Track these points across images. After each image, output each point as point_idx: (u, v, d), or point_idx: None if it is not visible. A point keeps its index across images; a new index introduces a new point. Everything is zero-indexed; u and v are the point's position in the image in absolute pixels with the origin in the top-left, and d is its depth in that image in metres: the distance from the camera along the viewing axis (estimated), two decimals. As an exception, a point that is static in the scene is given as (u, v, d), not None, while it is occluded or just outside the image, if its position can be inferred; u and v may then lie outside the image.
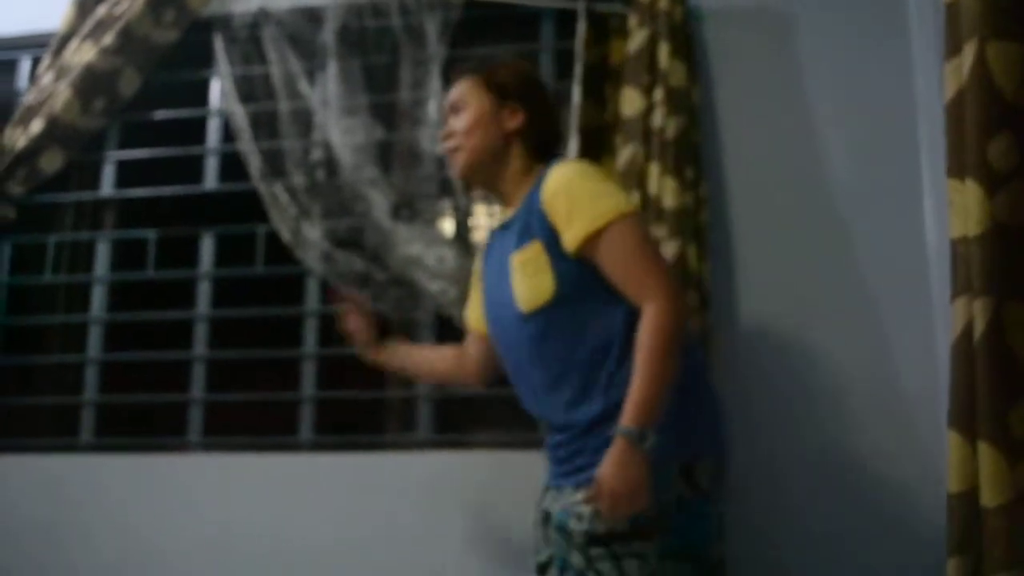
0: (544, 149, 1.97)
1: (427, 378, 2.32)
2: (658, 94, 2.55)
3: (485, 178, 1.99)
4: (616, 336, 1.79)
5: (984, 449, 1.60)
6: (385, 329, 2.32)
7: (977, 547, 1.66)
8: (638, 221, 1.81)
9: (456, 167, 1.98)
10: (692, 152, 2.53)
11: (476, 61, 2.05)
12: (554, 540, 1.85)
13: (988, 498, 1.59)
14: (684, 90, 2.55)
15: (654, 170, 2.49)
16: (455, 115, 1.98)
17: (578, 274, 1.81)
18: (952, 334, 1.75)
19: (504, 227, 1.96)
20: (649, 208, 2.47)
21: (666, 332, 1.71)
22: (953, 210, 1.78)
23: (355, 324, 2.26)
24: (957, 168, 1.78)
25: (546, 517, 1.90)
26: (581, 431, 1.81)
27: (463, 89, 1.98)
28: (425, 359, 2.27)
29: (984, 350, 1.63)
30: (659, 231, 2.43)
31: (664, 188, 2.46)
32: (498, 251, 1.98)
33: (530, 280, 1.83)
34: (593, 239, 1.77)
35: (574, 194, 1.80)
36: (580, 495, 1.75)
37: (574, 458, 1.82)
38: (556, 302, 1.81)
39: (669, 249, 2.41)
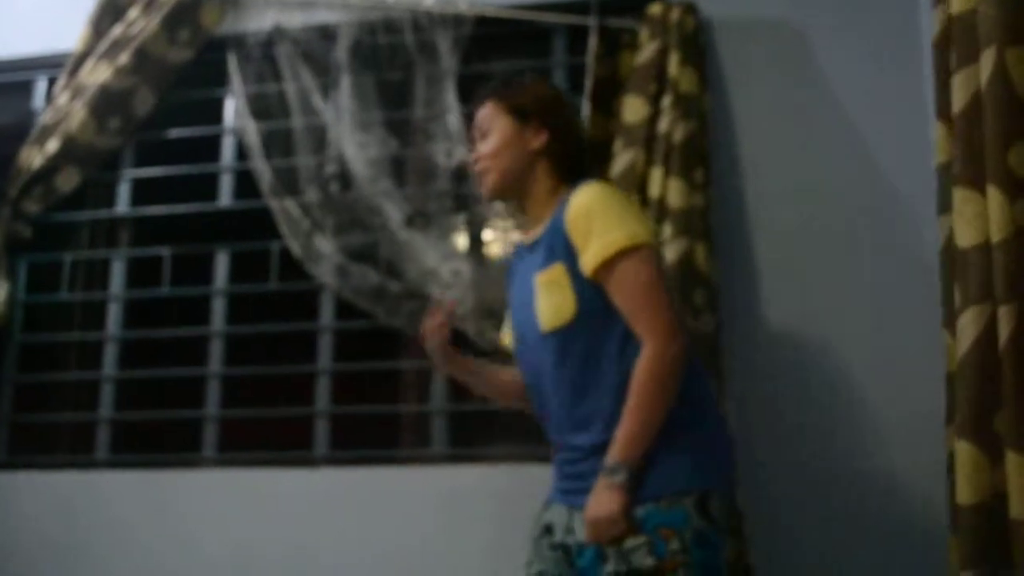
0: (570, 167, 1.98)
1: (498, 397, 2.25)
2: (666, 100, 2.57)
3: (514, 197, 2.02)
4: (630, 368, 1.79)
5: (1013, 459, 1.59)
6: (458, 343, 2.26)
7: (996, 558, 1.64)
8: (651, 254, 1.81)
9: (486, 188, 2.01)
10: (700, 155, 2.54)
11: (497, 82, 2.07)
12: (549, 557, 1.88)
13: (1019, 509, 1.57)
14: (694, 96, 2.58)
15: (657, 173, 2.50)
16: (482, 140, 2.01)
17: (598, 297, 1.82)
18: (961, 344, 1.74)
19: (530, 247, 1.98)
20: (650, 209, 2.49)
21: (659, 372, 1.74)
22: (963, 220, 1.77)
23: (438, 334, 2.15)
24: (969, 178, 1.78)
25: (547, 530, 1.91)
26: (585, 454, 1.83)
27: (486, 114, 2.01)
28: (498, 378, 2.22)
29: (1011, 358, 1.61)
30: (665, 230, 2.45)
31: (670, 189, 2.48)
32: (523, 270, 2.00)
33: (552, 299, 1.85)
34: (607, 266, 1.79)
35: (594, 218, 1.81)
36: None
37: (578, 479, 1.84)
38: (576, 323, 1.83)
39: (675, 248, 2.42)
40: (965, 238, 1.76)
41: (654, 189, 2.51)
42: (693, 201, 2.48)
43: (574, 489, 1.84)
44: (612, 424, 1.77)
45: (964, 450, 1.70)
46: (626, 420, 1.74)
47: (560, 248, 1.86)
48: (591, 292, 1.82)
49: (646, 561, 1.70)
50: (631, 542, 1.71)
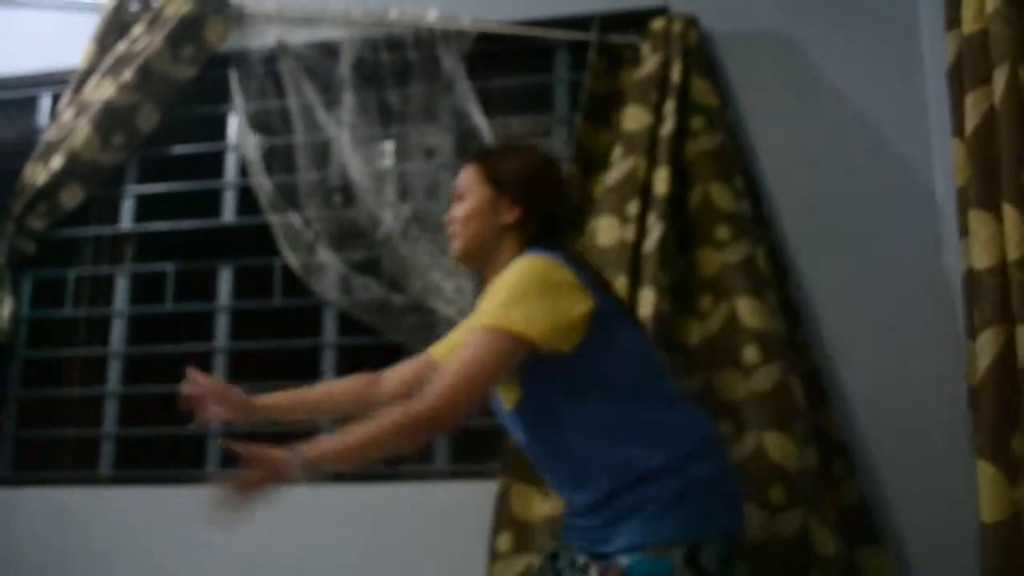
0: (539, 239, 1.92)
1: (329, 415, 2.25)
2: (669, 106, 2.58)
3: (479, 264, 2.00)
4: (591, 431, 1.78)
5: None
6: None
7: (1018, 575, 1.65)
8: (505, 345, 1.73)
9: (453, 251, 2.00)
10: (732, 163, 2.57)
11: (488, 147, 2.08)
12: None
13: None
14: (713, 106, 2.60)
15: (663, 173, 2.51)
16: (459, 202, 1.99)
17: (540, 371, 1.78)
18: (978, 365, 1.73)
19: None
20: (652, 209, 2.50)
21: (411, 423, 1.69)
22: (978, 242, 1.76)
23: (207, 399, 2.16)
24: (983, 199, 1.77)
25: (553, 557, 1.93)
26: (588, 509, 1.82)
27: (467, 176, 1.99)
28: (323, 397, 2.23)
29: None
30: (723, 233, 2.46)
31: (713, 194, 2.50)
32: None
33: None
34: (472, 331, 1.78)
35: (492, 291, 1.81)
36: None
37: (590, 531, 1.82)
38: (527, 401, 1.83)
39: (737, 251, 2.44)
40: (980, 260, 1.76)
41: (660, 187, 2.51)
42: (741, 206, 2.50)
43: (589, 539, 1.82)
44: (602, 483, 1.76)
45: (985, 470, 1.70)
46: (349, 436, 1.70)
47: None
48: (532, 367, 1.78)
49: None
50: None
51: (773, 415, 2.30)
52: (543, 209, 1.95)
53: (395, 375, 2.21)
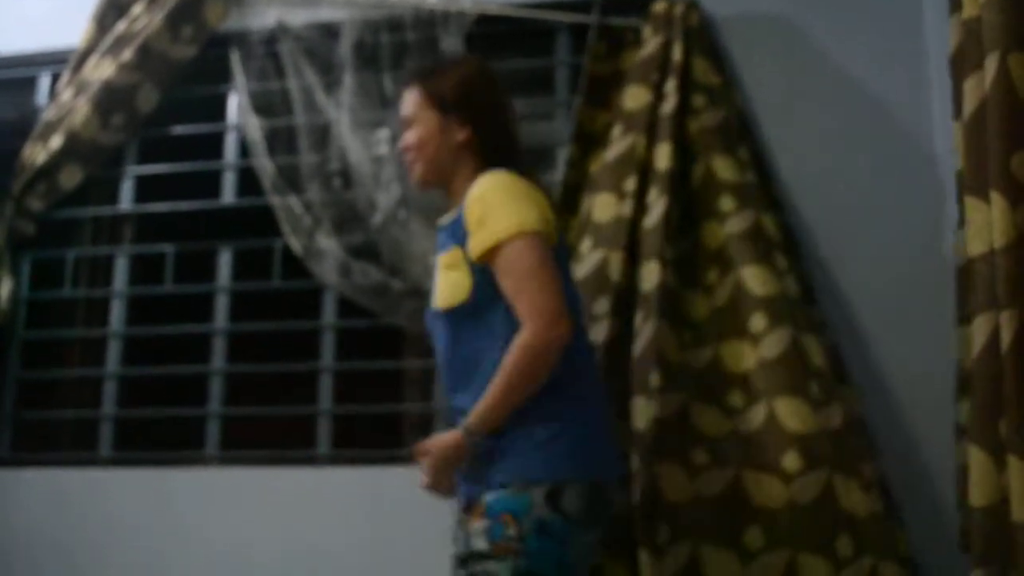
0: (496, 157, 1.98)
1: None
2: (670, 85, 2.58)
3: (441, 186, 2.05)
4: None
5: (1015, 464, 1.59)
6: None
7: (1003, 559, 1.65)
8: (536, 241, 1.84)
9: (414, 177, 2.07)
10: (736, 136, 2.57)
11: (423, 66, 2.10)
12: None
13: (1019, 512, 1.58)
14: (715, 85, 2.60)
15: (664, 149, 2.52)
16: (408, 128, 2.05)
17: (493, 283, 1.86)
18: (971, 351, 1.74)
19: (442, 231, 2.02)
20: (658, 183, 2.50)
21: (530, 356, 1.79)
22: (972, 229, 1.77)
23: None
24: (976, 186, 1.77)
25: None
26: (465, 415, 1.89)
27: (411, 101, 2.04)
28: None
29: (1012, 363, 1.62)
30: (727, 204, 2.47)
31: (716, 166, 2.51)
32: (434, 250, 2.07)
33: (449, 280, 1.91)
34: (492, 252, 1.84)
35: (486, 204, 1.86)
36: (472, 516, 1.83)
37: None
38: (469, 304, 1.88)
39: (743, 220, 2.44)
40: (973, 247, 1.76)
41: (661, 163, 2.51)
42: (747, 177, 2.50)
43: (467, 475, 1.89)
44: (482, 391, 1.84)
45: (974, 454, 1.71)
46: (488, 394, 1.80)
47: (460, 233, 1.91)
48: (486, 277, 1.86)
49: (480, 544, 1.76)
50: (476, 524, 1.79)
51: (783, 380, 2.28)
52: (490, 123, 2.01)
53: None
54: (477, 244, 1.85)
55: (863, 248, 2.59)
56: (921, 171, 2.60)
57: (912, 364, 2.49)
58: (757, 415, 2.30)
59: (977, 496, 1.70)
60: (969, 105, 1.82)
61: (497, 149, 2.00)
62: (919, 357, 2.48)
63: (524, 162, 2.02)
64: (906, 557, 2.25)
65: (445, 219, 2.01)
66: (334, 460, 2.77)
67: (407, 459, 2.70)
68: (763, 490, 2.23)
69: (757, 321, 2.36)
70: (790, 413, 2.25)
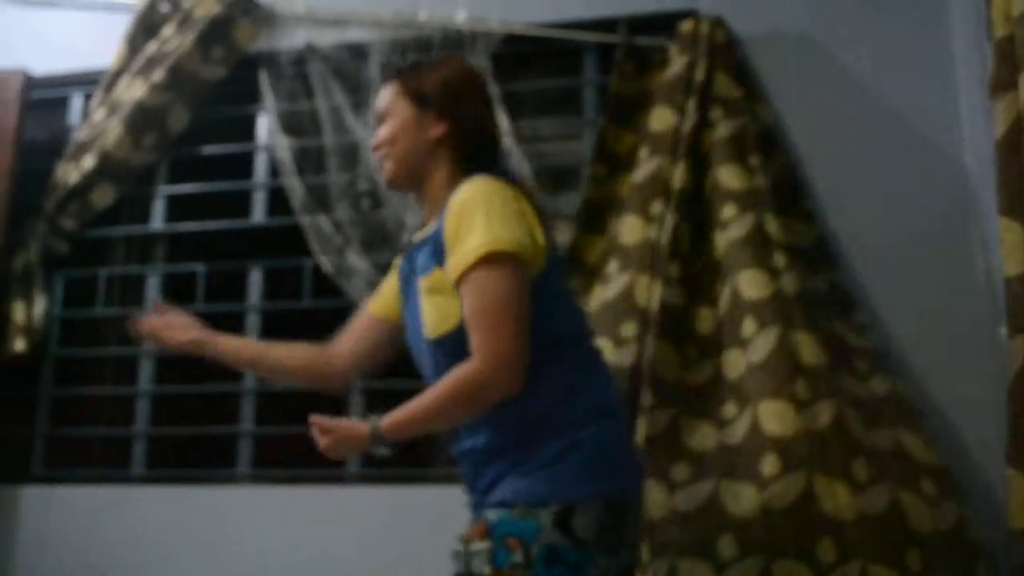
0: (471, 158, 1.83)
1: (279, 378, 2.18)
2: (691, 104, 2.60)
3: (413, 187, 1.91)
4: None
5: None
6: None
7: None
8: (507, 270, 1.66)
9: (385, 176, 1.91)
10: (748, 143, 2.57)
11: (406, 65, 1.98)
12: None
13: None
14: (735, 98, 2.61)
15: (681, 167, 2.53)
16: (382, 124, 1.90)
17: None
18: (1009, 373, 1.74)
19: (419, 246, 1.86)
20: (671, 203, 2.52)
21: (466, 387, 1.66)
22: (1006, 249, 1.76)
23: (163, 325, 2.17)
24: (1009, 206, 1.77)
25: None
26: (479, 456, 1.76)
27: (387, 96, 1.89)
28: (280, 359, 2.14)
29: None
30: (728, 211, 2.47)
31: (721, 175, 2.52)
32: (411, 268, 1.89)
33: (436, 306, 1.75)
34: (465, 275, 1.68)
35: (462, 217, 1.69)
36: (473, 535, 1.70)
37: (478, 480, 1.78)
38: (460, 332, 1.71)
39: (745, 223, 2.44)
40: (1008, 267, 1.76)
41: (676, 181, 2.53)
42: (754, 183, 2.51)
43: (476, 502, 1.78)
44: (499, 427, 1.71)
45: (1012, 477, 1.71)
46: (414, 406, 1.69)
47: (441, 251, 1.74)
48: None
49: (482, 568, 1.62)
50: (477, 546, 1.65)
51: (767, 383, 2.25)
52: (470, 120, 1.86)
53: (343, 346, 2.12)
54: (454, 268, 1.69)
55: (892, 262, 2.58)
56: (950, 186, 2.59)
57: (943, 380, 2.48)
58: (743, 423, 2.26)
59: (1017, 518, 1.70)
60: (1002, 126, 1.81)
61: (476, 150, 1.85)
62: (948, 372, 2.47)
63: (505, 168, 1.88)
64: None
65: (421, 233, 1.87)
66: (365, 479, 2.78)
67: (436, 479, 2.73)
68: (737, 498, 2.19)
69: (748, 326, 2.35)
70: (772, 416, 2.21)
